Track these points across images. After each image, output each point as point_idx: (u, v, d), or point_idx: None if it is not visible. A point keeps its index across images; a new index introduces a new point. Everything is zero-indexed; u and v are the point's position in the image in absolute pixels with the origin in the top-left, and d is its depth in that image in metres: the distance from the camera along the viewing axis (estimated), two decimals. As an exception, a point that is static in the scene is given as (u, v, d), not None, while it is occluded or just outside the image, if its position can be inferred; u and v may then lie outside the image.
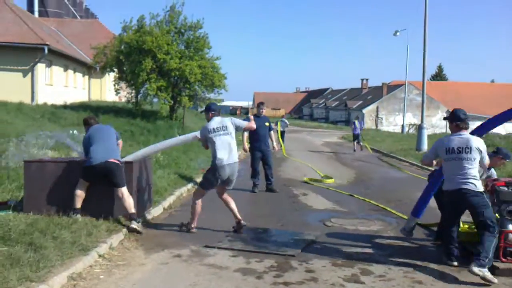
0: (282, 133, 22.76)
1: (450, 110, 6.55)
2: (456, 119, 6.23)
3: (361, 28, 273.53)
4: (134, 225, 6.95)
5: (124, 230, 6.89)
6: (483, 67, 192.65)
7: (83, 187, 7.17)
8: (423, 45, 22.50)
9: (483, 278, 5.39)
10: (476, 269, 5.44)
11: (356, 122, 23.26)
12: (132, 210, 7.06)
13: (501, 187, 6.16)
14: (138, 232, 6.97)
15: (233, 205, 7.58)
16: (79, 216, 7.04)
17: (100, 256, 5.89)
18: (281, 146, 18.62)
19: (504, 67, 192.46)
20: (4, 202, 7.53)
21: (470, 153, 5.96)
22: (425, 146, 21.64)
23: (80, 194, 7.14)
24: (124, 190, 7.12)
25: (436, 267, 6.00)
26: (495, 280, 5.43)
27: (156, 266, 5.83)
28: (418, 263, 6.17)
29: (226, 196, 7.64)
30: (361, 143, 23.63)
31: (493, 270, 5.78)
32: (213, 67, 21.78)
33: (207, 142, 7.49)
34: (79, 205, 7.14)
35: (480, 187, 5.90)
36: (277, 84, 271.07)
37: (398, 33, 40.83)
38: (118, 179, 7.15)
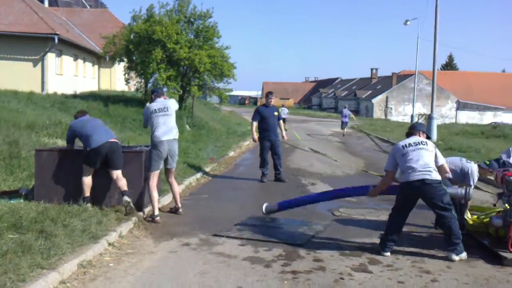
0: (283, 120, 24.47)
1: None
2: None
3: (371, 18, 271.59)
4: (127, 198, 7.04)
5: (134, 218, 6.95)
6: (495, 57, 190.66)
7: (89, 173, 7.23)
8: (433, 35, 22.32)
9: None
10: (456, 258, 5.84)
11: (344, 110, 27.90)
12: (125, 188, 7.14)
13: (511, 177, 6.13)
14: (130, 207, 6.99)
15: (176, 189, 7.95)
16: (89, 204, 7.11)
17: (110, 244, 5.95)
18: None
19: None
20: (15, 191, 7.62)
21: (427, 145, 6.18)
22: (434, 136, 21.53)
23: (87, 182, 7.19)
24: (119, 172, 7.23)
25: (444, 257, 5.99)
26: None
27: (165, 255, 5.88)
28: (426, 252, 6.17)
29: (172, 180, 7.88)
30: (345, 130, 27.64)
31: (501, 260, 5.79)
32: (223, 56, 21.70)
33: (148, 121, 7.66)
34: (88, 193, 7.20)
35: (438, 176, 6.02)
36: (286, 73, 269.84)
37: (408, 23, 40.46)
38: (120, 160, 7.26)
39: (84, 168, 7.22)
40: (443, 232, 6.17)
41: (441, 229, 6.30)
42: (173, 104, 7.82)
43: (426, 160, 6.02)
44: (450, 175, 6.38)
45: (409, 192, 6.05)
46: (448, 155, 16.94)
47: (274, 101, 11.56)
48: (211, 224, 7.20)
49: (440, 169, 6.16)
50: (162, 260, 5.70)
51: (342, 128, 27.65)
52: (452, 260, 5.82)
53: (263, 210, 7.57)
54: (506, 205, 6.23)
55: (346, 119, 27.39)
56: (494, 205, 7.03)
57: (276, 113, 11.23)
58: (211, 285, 4.96)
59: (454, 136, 24.49)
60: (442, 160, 6.23)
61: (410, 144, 6.19)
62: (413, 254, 6.11)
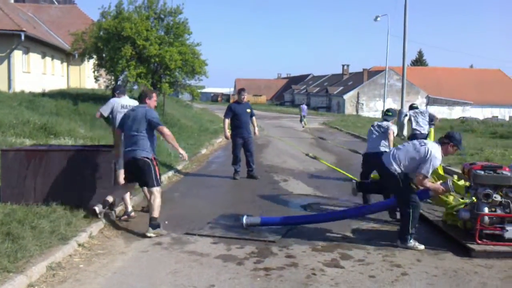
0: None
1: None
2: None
3: (342, 14, 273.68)
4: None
5: (104, 219, 6.85)
6: (463, 52, 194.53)
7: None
8: (403, 31, 22.63)
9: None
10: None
11: (303, 106, 32.53)
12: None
13: (477, 171, 6.26)
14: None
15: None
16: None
17: (79, 245, 5.85)
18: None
19: (482, 53, 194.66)
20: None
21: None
22: (404, 132, 21.81)
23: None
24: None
25: (414, 251, 6.09)
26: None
27: (137, 254, 5.82)
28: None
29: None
30: (303, 122, 30.93)
31: (469, 252, 5.91)
32: (194, 53, 21.54)
33: (111, 113, 7.54)
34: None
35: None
36: (259, 70, 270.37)
37: (378, 19, 40.88)
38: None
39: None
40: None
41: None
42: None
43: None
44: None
45: None
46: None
47: (246, 98, 11.52)
48: (183, 223, 7.16)
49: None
50: (134, 260, 5.63)
51: (301, 121, 31.41)
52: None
53: (244, 222, 6.88)
54: (473, 198, 6.37)
55: (304, 113, 31.85)
56: (462, 198, 7.15)
57: (248, 110, 11.19)
58: (183, 283, 4.93)
59: (423, 131, 24.83)
60: (422, 170, 6.20)
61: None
62: (384, 248, 6.19)
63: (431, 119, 11.90)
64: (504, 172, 6.20)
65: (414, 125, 11.93)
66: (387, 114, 9.17)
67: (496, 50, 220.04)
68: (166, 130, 6.72)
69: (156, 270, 5.30)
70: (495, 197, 6.11)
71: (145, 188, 7.09)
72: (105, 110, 7.65)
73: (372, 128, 8.90)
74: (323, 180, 11.16)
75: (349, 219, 7.16)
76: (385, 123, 8.83)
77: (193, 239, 6.44)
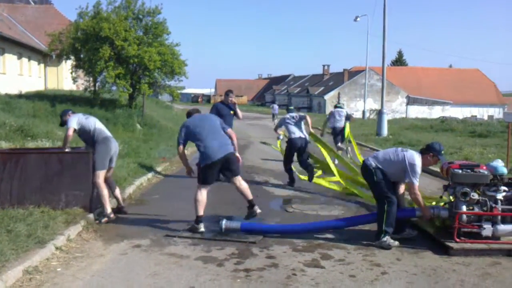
0: None
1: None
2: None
3: (322, 14, 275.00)
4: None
5: (83, 221, 6.75)
6: (442, 52, 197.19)
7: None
8: (383, 31, 22.80)
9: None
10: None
11: (274, 105, 36.71)
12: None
13: (455, 170, 6.32)
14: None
15: (118, 188, 7.90)
16: (201, 225, 6.73)
17: (57, 248, 5.76)
18: None
19: (461, 53, 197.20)
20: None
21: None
22: (385, 131, 22.03)
23: (201, 199, 6.84)
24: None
25: (394, 250, 6.13)
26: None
27: (116, 257, 5.75)
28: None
29: (112, 179, 7.76)
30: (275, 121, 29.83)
31: (448, 250, 5.97)
32: (173, 53, 21.41)
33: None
34: (202, 213, 6.80)
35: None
36: (239, 70, 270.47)
37: (358, 19, 41.21)
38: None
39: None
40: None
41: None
42: None
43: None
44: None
45: None
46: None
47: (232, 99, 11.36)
48: (162, 225, 7.09)
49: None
50: (112, 262, 5.56)
51: (273, 119, 33.56)
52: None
53: (222, 227, 6.70)
54: (451, 197, 6.44)
55: (276, 112, 36.18)
56: (441, 197, 7.22)
57: (232, 112, 11.16)
58: (162, 286, 4.88)
59: (404, 130, 25.09)
60: (406, 179, 6.32)
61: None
62: (364, 248, 6.21)
63: (348, 117, 14.66)
64: (481, 171, 6.27)
65: (333, 120, 14.84)
66: (290, 109, 11.95)
67: (475, 50, 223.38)
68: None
69: (135, 272, 5.24)
70: (472, 196, 6.19)
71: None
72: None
73: (288, 120, 10.71)
74: (303, 181, 11.16)
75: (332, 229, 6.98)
76: (299, 114, 11.16)
77: (173, 241, 6.39)
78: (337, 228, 6.86)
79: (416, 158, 6.26)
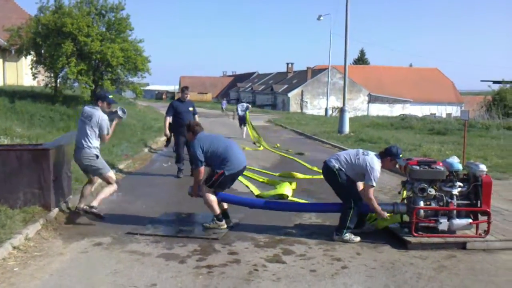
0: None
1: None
2: None
3: (286, 12, 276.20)
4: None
5: (42, 220, 6.62)
6: (403, 52, 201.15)
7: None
8: (345, 30, 23.06)
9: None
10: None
11: (224, 101, 38.90)
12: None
13: (413, 166, 6.48)
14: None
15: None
16: (223, 221, 6.81)
17: (14, 247, 5.64)
18: None
19: (421, 52, 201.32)
20: None
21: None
22: (346, 129, 22.30)
23: (214, 199, 6.81)
24: None
25: (354, 245, 6.25)
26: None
27: (76, 255, 5.68)
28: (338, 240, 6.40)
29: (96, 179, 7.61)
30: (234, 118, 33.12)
31: (406, 244, 6.13)
32: (136, 50, 21.16)
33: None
34: (219, 210, 6.85)
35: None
36: (204, 68, 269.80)
37: (322, 18, 41.59)
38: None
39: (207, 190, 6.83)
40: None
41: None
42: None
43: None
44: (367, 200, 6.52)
45: None
46: (359, 147, 17.54)
47: (190, 96, 11.44)
48: (125, 222, 7.04)
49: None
50: (72, 261, 5.49)
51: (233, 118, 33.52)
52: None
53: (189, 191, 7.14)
54: (409, 192, 6.60)
55: (225, 106, 38.01)
56: (399, 192, 7.39)
57: (191, 108, 11.11)
58: (123, 284, 4.85)
59: (365, 128, 25.46)
60: (367, 181, 6.41)
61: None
62: (325, 243, 6.31)
63: (247, 108, 20.57)
64: (438, 167, 6.44)
65: (238, 111, 20.72)
66: (240, 101, 15.52)
67: (434, 50, 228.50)
68: None
69: (96, 270, 5.19)
70: (430, 191, 6.37)
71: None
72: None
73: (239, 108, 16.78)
74: (268, 176, 11.24)
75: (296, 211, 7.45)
76: (246, 104, 17.85)
77: (134, 238, 6.35)
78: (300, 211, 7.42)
79: (375, 163, 6.38)
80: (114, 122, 7.46)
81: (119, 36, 20.92)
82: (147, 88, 71.13)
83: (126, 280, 4.93)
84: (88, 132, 7.08)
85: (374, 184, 6.34)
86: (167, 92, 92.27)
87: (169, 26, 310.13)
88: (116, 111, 7.49)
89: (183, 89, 11.34)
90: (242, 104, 21.69)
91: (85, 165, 7.19)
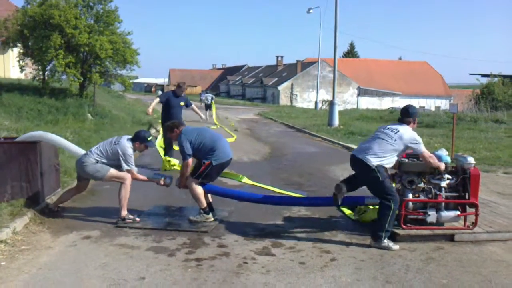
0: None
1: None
2: None
3: (276, 5, 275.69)
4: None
5: (29, 213, 6.58)
6: (392, 45, 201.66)
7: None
8: (334, 23, 23.07)
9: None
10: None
11: (206, 94, 35.57)
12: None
13: (402, 159, 6.51)
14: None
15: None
16: (210, 214, 6.84)
17: (1, 241, 5.59)
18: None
19: (410, 45, 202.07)
20: None
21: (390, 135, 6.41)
22: (336, 122, 22.36)
23: (201, 192, 6.82)
24: None
25: (343, 237, 6.28)
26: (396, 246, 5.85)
27: (64, 249, 5.64)
28: (327, 233, 6.43)
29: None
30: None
31: (395, 236, 6.15)
32: (125, 42, 21.00)
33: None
34: (206, 203, 6.88)
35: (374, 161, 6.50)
36: (193, 60, 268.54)
37: (311, 11, 41.57)
38: None
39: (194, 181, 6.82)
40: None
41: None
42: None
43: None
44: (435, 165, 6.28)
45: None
46: (348, 139, 17.57)
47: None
48: (113, 215, 6.99)
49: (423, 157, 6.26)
50: (61, 254, 5.46)
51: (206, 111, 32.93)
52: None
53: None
54: (398, 185, 6.63)
55: (202, 97, 33.60)
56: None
57: (182, 103, 11.11)
58: (112, 277, 4.83)
59: (355, 121, 25.54)
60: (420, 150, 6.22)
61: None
62: (314, 236, 6.33)
63: (212, 98, 26.72)
64: (426, 160, 6.45)
65: (204, 100, 26.82)
66: (206, 91, 19.48)
67: (423, 43, 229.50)
68: None
69: (84, 264, 5.17)
70: (418, 184, 6.40)
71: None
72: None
73: (203, 97, 19.99)
74: (257, 170, 11.24)
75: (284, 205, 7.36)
76: (211, 95, 23.33)
77: (123, 231, 6.33)
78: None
79: (409, 131, 6.29)
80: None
81: (108, 29, 20.74)
82: (136, 81, 70.79)
83: (115, 274, 4.91)
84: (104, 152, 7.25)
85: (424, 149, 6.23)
86: (157, 85, 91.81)
87: (158, 19, 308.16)
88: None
89: (180, 85, 11.23)
90: (208, 94, 28.34)
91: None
